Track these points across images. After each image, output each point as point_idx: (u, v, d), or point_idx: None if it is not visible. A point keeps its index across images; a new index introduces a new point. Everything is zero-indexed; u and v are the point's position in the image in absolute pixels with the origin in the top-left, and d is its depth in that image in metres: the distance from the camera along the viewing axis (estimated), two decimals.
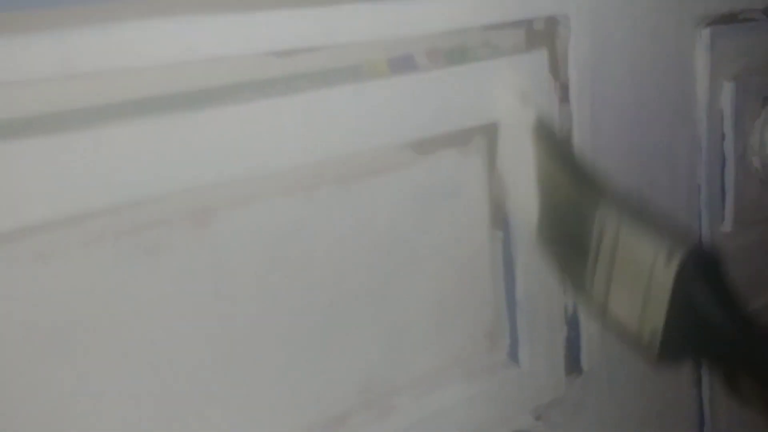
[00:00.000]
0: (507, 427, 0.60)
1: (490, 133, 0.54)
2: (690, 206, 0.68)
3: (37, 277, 0.39)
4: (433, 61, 0.50)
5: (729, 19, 0.67)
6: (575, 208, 0.52)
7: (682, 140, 0.66)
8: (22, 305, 0.39)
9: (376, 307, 0.52)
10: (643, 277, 0.48)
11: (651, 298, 0.48)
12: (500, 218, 0.56)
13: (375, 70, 0.48)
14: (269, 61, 0.45)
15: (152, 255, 0.42)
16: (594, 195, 0.51)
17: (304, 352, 0.49)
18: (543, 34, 0.55)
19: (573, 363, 0.62)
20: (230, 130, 0.43)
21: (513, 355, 0.59)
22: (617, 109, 0.60)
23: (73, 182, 0.39)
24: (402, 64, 0.49)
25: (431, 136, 0.51)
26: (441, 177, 0.52)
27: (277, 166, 0.45)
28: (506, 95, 0.52)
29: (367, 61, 0.48)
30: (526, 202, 0.54)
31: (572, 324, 0.62)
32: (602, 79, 0.58)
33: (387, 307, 0.52)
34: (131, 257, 0.42)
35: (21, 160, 0.37)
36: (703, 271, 0.46)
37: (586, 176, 0.52)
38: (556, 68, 0.56)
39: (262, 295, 0.46)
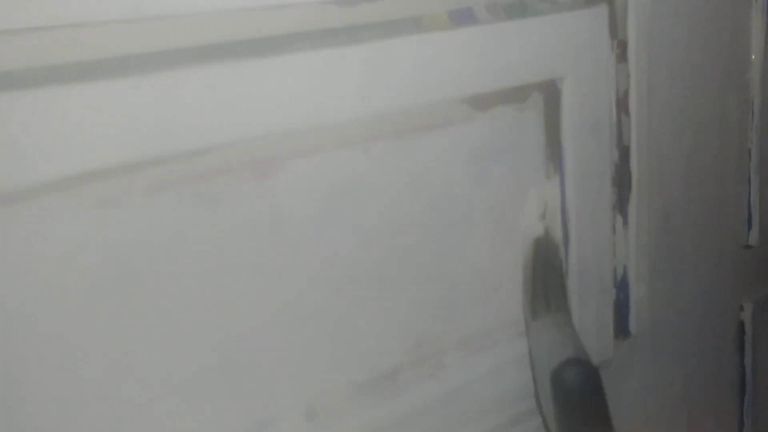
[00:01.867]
0: None
1: (547, 89, 0.53)
2: (739, 170, 0.67)
3: (101, 222, 0.39)
4: (493, 14, 0.49)
5: None
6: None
7: (734, 103, 0.65)
8: (86, 250, 0.39)
9: (428, 264, 0.51)
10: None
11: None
12: (555, 177, 0.55)
13: (435, 21, 0.47)
14: (331, 11, 0.44)
15: (213, 203, 0.42)
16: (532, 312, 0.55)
17: (356, 308, 0.49)
18: None
19: (621, 326, 0.61)
20: (292, 79, 0.42)
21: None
22: (673, 70, 0.58)
23: (138, 128, 0.38)
24: (462, 16, 0.48)
25: (489, 91, 0.50)
26: (497, 134, 0.52)
27: (337, 118, 0.45)
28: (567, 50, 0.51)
29: (428, 13, 0.47)
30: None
31: (621, 287, 0.61)
32: (660, 39, 0.57)
33: (439, 265, 0.52)
34: (193, 205, 0.41)
35: (87, 104, 0.37)
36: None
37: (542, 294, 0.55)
38: (615, 26, 0.54)
39: (317, 247, 0.46)
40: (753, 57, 0.62)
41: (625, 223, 0.59)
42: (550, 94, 0.53)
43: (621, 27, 0.53)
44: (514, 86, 0.50)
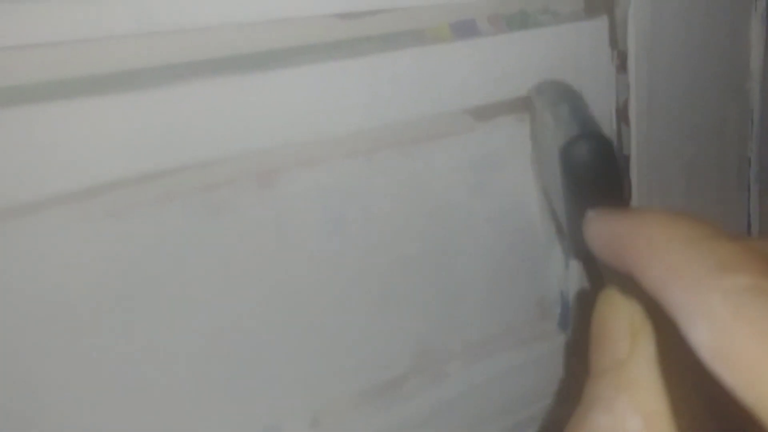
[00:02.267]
0: (553, 397, 0.60)
1: None
2: (740, 179, 0.68)
3: (108, 234, 0.40)
4: (494, 26, 0.50)
5: None
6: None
7: (734, 113, 0.66)
8: (93, 262, 0.39)
9: (431, 273, 0.52)
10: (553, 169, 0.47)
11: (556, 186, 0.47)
12: (557, 187, 0.56)
13: (438, 34, 0.48)
14: (334, 24, 0.45)
15: (218, 214, 0.43)
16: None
17: (361, 316, 0.49)
18: (603, 1, 0.54)
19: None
20: (296, 92, 0.43)
21: (564, 324, 0.59)
22: (672, 80, 0.59)
23: (145, 141, 0.39)
24: (464, 28, 0.49)
25: (490, 102, 0.51)
26: (498, 144, 0.52)
27: (340, 129, 0.45)
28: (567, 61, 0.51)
29: (430, 25, 0.47)
30: None
31: None
32: (659, 49, 0.57)
33: (441, 274, 0.52)
34: (198, 216, 0.42)
35: (95, 118, 0.37)
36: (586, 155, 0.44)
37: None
38: (615, 37, 0.55)
39: (321, 257, 0.47)
40: (752, 66, 0.63)
41: None
42: None
43: (621, 38, 0.54)
44: (515, 97, 0.51)
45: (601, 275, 0.37)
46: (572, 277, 0.57)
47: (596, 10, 0.54)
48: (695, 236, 0.30)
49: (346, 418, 0.50)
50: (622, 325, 0.34)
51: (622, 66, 0.56)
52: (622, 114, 0.57)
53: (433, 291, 0.52)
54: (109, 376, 0.40)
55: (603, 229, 0.35)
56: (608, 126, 0.56)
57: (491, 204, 0.54)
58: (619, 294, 0.34)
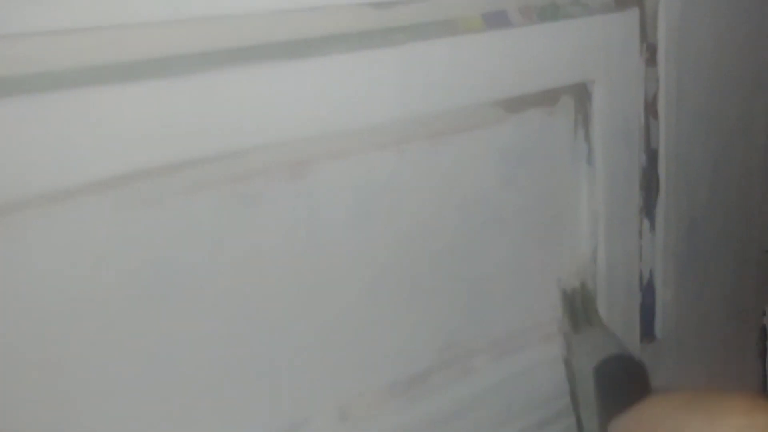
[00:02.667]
0: None
1: (577, 92, 0.53)
2: (764, 171, 0.67)
3: (142, 222, 0.39)
4: (526, 17, 0.49)
5: None
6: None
7: (760, 106, 0.65)
8: (126, 249, 0.39)
9: (459, 266, 0.52)
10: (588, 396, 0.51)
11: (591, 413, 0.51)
12: (584, 180, 0.55)
13: (470, 24, 0.47)
14: (367, 13, 0.44)
15: (251, 204, 0.42)
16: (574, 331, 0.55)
17: (388, 309, 0.49)
18: None
19: (647, 330, 0.61)
20: (328, 81, 0.42)
21: None
22: (701, 74, 0.59)
23: (178, 129, 0.38)
24: (496, 19, 0.48)
25: (521, 94, 0.50)
26: (528, 136, 0.52)
27: (371, 120, 0.45)
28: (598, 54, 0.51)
29: (462, 15, 0.47)
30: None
31: (647, 291, 0.61)
32: (688, 43, 0.57)
33: (469, 267, 0.52)
34: (231, 205, 0.41)
35: (129, 105, 0.37)
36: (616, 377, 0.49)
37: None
38: (645, 30, 0.55)
39: (352, 247, 0.46)
40: None
41: (652, 227, 0.59)
42: (581, 97, 0.53)
43: (651, 31, 0.54)
44: (546, 89, 0.50)
45: None
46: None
47: (627, 3, 0.54)
48: (687, 401, 0.37)
49: (374, 412, 0.50)
50: None
51: (651, 59, 0.56)
52: (651, 108, 0.56)
53: (460, 285, 0.52)
54: (138, 365, 0.40)
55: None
56: (637, 120, 0.56)
57: (520, 197, 0.53)
58: None
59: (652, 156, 0.57)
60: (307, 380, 0.46)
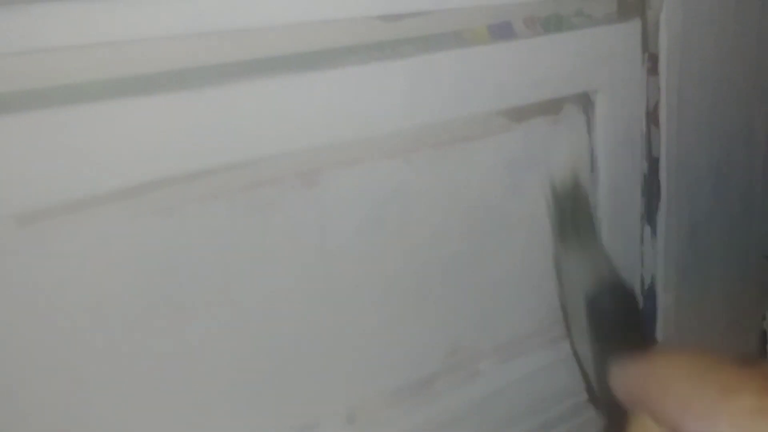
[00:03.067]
0: (583, 395, 0.60)
1: (580, 102, 0.54)
2: (765, 178, 0.68)
3: (159, 230, 0.40)
4: (530, 28, 0.50)
5: None
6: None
7: (762, 115, 0.66)
8: (141, 258, 0.40)
9: (465, 273, 0.53)
10: (578, 316, 0.49)
11: (582, 338, 0.49)
12: (587, 186, 0.56)
13: (476, 35, 0.48)
14: (376, 26, 0.45)
15: (264, 211, 0.43)
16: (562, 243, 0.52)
17: (397, 314, 0.50)
18: (635, 5, 0.55)
19: (648, 334, 0.62)
20: (339, 92, 0.43)
21: None
22: (702, 83, 0.60)
23: (194, 140, 0.39)
24: (501, 30, 0.49)
25: (526, 103, 0.51)
26: (532, 145, 0.53)
27: (380, 130, 0.46)
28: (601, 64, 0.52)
29: (469, 27, 0.48)
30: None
31: (648, 296, 0.62)
32: (689, 52, 0.58)
33: (475, 273, 0.53)
34: (244, 213, 0.43)
35: (147, 117, 0.38)
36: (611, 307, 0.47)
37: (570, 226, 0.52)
38: (647, 40, 0.56)
39: (361, 255, 0.47)
40: None
41: (654, 233, 0.60)
42: (584, 106, 0.54)
43: (653, 41, 0.55)
44: (550, 98, 0.51)
45: (623, 419, 0.40)
46: None
47: (629, 14, 0.55)
48: (701, 368, 0.34)
49: (381, 415, 0.50)
50: None
51: (653, 69, 0.57)
52: (652, 116, 0.57)
53: (466, 291, 0.53)
54: (152, 369, 0.41)
55: (623, 381, 0.39)
56: (638, 128, 0.57)
57: (525, 205, 0.54)
58: (650, 420, 0.36)
59: (653, 163, 0.58)
60: (317, 384, 0.47)
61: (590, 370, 0.48)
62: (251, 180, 0.42)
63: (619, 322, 0.46)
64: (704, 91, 0.60)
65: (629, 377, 0.38)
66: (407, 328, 0.50)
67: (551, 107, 0.53)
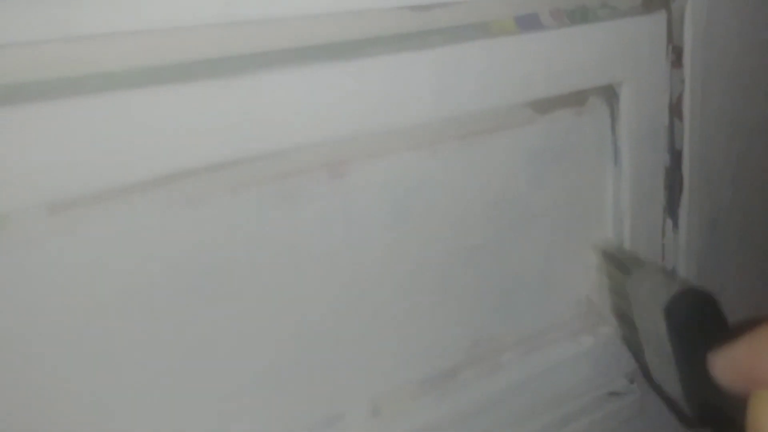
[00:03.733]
0: (604, 389, 0.60)
1: (605, 94, 0.54)
2: None
3: (188, 220, 0.40)
4: (556, 20, 0.50)
5: None
6: (619, 291, 0.53)
7: None
8: (171, 248, 0.40)
9: (489, 265, 0.52)
10: (655, 337, 0.48)
11: (665, 357, 0.48)
12: (610, 179, 0.56)
13: (503, 27, 0.48)
14: (405, 16, 0.45)
15: (291, 202, 0.43)
16: (624, 273, 0.52)
17: (420, 306, 0.50)
18: None
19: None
20: (368, 82, 0.43)
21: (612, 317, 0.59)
22: (726, 76, 0.59)
23: (224, 130, 0.39)
24: (528, 22, 0.49)
25: (551, 95, 0.51)
26: (557, 137, 0.53)
27: (407, 121, 0.46)
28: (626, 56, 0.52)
29: (496, 18, 0.48)
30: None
31: None
32: (714, 45, 0.58)
33: (498, 265, 0.53)
34: (273, 204, 0.42)
35: (177, 106, 0.38)
36: (690, 317, 0.46)
37: (623, 259, 0.53)
38: (671, 32, 0.55)
39: (387, 245, 0.47)
40: None
41: (675, 226, 0.60)
42: (608, 98, 0.54)
43: (677, 34, 0.54)
44: (575, 90, 0.51)
45: (731, 416, 0.39)
46: None
47: (654, 6, 0.55)
48: None
49: (405, 407, 0.50)
50: None
51: (677, 61, 0.57)
52: (675, 109, 0.57)
53: (490, 282, 0.53)
54: (180, 359, 0.41)
55: (730, 365, 0.38)
56: (662, 121, 0.57)
57: (548, 196, 0.54)
58: None
59: (676, 156, 0.58)
60: (341, 376, 0.47)
61: (677, 390, 0.47)
62: (279, 171, 0.42)
63: (704, 322, 0.46)
64: (728, 84, 0.60)
65: (736, 360, 0.38)
66: (431, 320, 0.50)
67: (576, 99, 0.53)
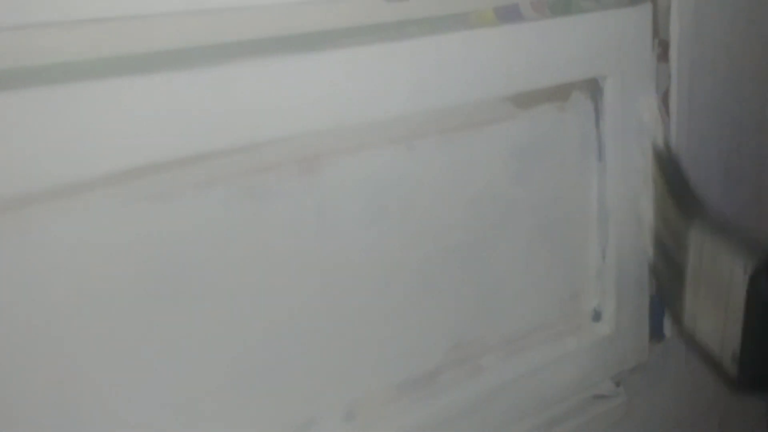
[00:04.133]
0: (589, 392, 0.59)
1: (589, 88, 0.53)
2: None
3: (151, 216, 0.38)
4: (538, 11, 0.49)
5: None
6: (673, 232, 0.51)
7: None
8: (134, 244, 0.38)
9: (469, 264, 0.51)
10: (723, 295, 0.46)
11: (730, 317, 0.46)
12: (594, 177, 0.55)
13: (483, 18, 0.46)
14: (381, 6, 0.43)
15: (260, 199, 0.41)
16: (687, 217, 0.50)
17: (398, 307, 0.48)
18: None
19: (656, 329, 0.61)
20: (341, 74, 0.42)
21: (598, 319, 0.58)
22: (713, 70, 0.58)
23: (189, 122, 0.38)
24: (508, 13, 0.47)
25: (532, 89, 0.50)
26: (539, 132, 0.51)
27: (383, 114, 0.44)
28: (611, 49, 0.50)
29: (475, 9, 0.46)
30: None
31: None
32: (701, 39, 0.56)
33: (479, 265, 0.51)
34: (240, 200, 0.41)
35: (141, 97, 0.36)
36: None
37: (685, 199, 0.51)
38: (657, 25, 0.54)
39: (362, 244, 0.46)
40: None
41: None
42: (592, 93, 0.52)
43: (663, 27, 0.53)
44: (557, 84, 0.50)
45: None
46: (609, 271, 0.56)
47: None
48: None
49: (382, 411, 0.49)
50: None
51: (663, 55, 0.55)
52: (662, 104, 0.56)
53: (470, 283, 0.51)
54: (146, 360, 0.39)
55: None
56: (648, 116, 0.55)
57: (530, 194, 0.53)
58: None
59: (662, 151, 0.56)
60: (315, 380, 0.46)
61: (727, 350, 0.45)
62: (248, 166, 0.41)
63: None
64: (715, 78, 0.58)
65: None
66: (408, 321, 0.49)
67: (559, 93, 0.51)
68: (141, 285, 0.38)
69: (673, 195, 0.50)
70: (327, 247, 0.44)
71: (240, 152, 0.40)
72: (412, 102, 0.44)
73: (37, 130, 0.33)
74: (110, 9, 0.34)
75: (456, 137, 0.48)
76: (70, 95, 0.34)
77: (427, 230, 0.48)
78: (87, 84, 0.35)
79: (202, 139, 0.38)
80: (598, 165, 0.54)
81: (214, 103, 0.38)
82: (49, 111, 0.34)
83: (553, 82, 0.50)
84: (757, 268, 0.44)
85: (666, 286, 0.50)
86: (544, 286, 0.55)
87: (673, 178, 0.51)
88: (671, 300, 0.50)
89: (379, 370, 0.49)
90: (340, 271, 0.45)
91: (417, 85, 0.44)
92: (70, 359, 0.37)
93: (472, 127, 0.49)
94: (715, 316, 0.46)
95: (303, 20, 0.40)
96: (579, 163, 0.54)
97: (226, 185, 0.40)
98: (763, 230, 0.67)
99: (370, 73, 0.42)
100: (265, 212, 0.42)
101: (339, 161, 0.43)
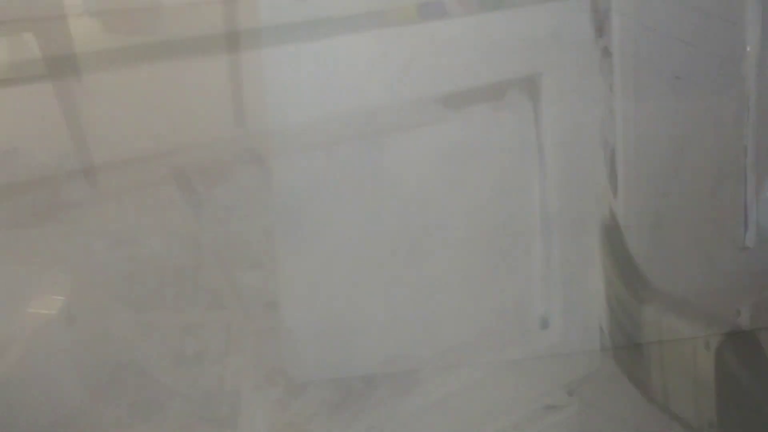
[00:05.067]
0: (539, 402, 0.56)
1: (526, 86, 0.50)
2: (735, 168, 0.64)
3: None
4: (464, 6, 0.46)
5: None
6: (626, 311, 0.52)
7: (729, 98, 0.62)
8: None
9: (402, 273, 0.49)
10: (689, 369, 0.47)
11: (700, 388, 0.47)
12: (535, 180, 0.52)
13: (404, 15, 0.44)
14: (287, 5, 0.41)
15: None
16: (638, 301, 0.50)
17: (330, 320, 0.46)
18: None
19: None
20: (246, 78, 0.39)
21: (545, 326, 0.55)
22: (661, 64, 0.55)
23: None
24: (432, 9, 0.45)
25: (462, 89, 0.47)
26: (473, 134, 0.49)
27: (293, 120, 0.42)
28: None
29: (397, 6, 0.44)
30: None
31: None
32: (647, 31, 0.53)
33: (413, 273, 0.49)
34: None
35: None
36: (743, 352, 0.46)
37: (634, 281, 0.51)
38: (599, 18, 0.51)
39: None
40: (748, 49, 0.59)
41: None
42: (530, 91, 0.50)
43: (605, 19, 0.50)
44: (490, 83, 0.47)
45: None
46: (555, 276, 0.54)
47: None
48: None
49: (307, 429, 0.46)
50: None
51: (606, 49, 0.52)
52: (606, 100, 0.53)
53: (404, 292, 0.49)
54: None
55: None
56: (592, 115, 0.53)
57: (467, 199, 0.50)
58: None
59: (609, 151, 0.54)
60: None
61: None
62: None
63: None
64: (664, 72, 0.56)
65: None
66: (341, 334, 0.46)
67: (493, 93, 0.49)
68: None
69: (622, 278, 0.51)
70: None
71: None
72: (325, 106, 0.42)
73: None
74: None
75: (381, 142, 0.46)
76: None
77: (354, 239, 0.46)
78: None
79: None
80: (538, 167, 0.52)
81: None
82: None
83: (484, 80, 0.48)
84: (720, 343, 0.46)
85: (626, 360, 0.51)
86: (484, 294, 0.52)
87: (621, 259, 0.52)
88: (633, 374, 0.51)
89: (308, 386, 0.46)
90: None
91: (330, 88, 0.43)
92: None
93: (398, 130, 0.46)
94: (685, 389, 0.48)
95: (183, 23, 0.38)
96: (518, 165, 0.51)
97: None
98: (725, 232, 0.64)
99: (276, 76, 0.40)
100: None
101: (246, 172, 0.41)
